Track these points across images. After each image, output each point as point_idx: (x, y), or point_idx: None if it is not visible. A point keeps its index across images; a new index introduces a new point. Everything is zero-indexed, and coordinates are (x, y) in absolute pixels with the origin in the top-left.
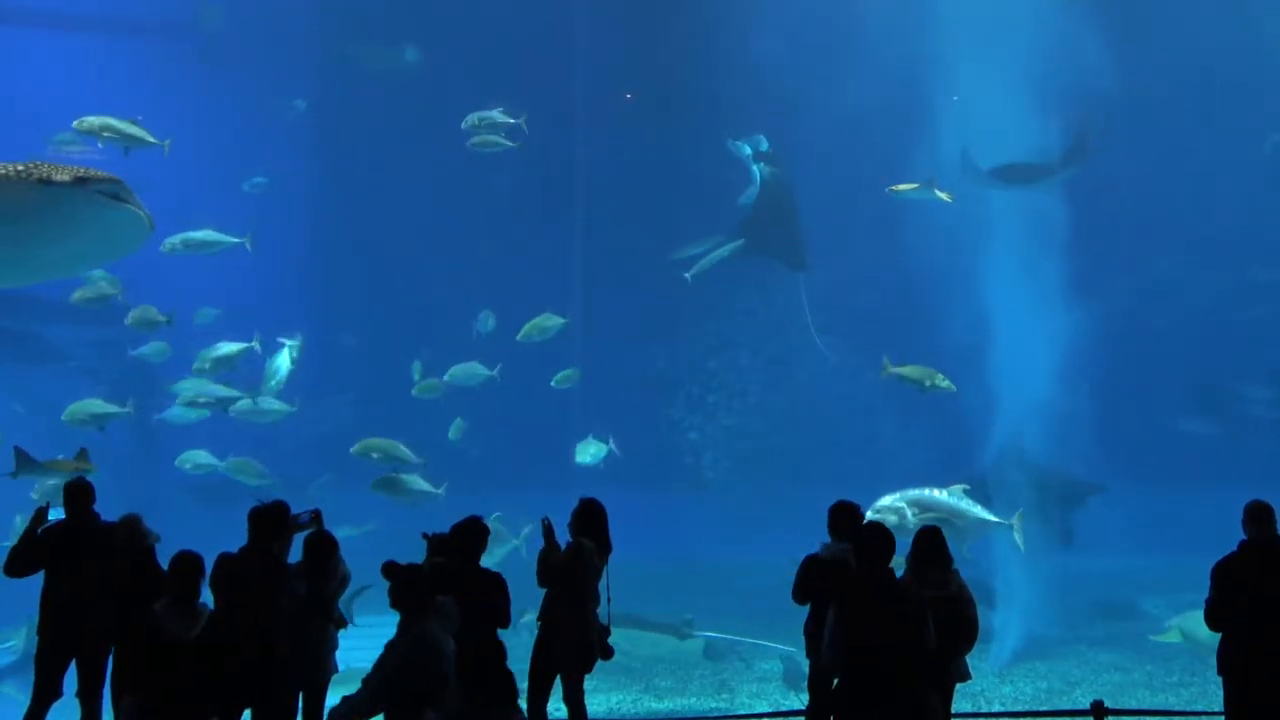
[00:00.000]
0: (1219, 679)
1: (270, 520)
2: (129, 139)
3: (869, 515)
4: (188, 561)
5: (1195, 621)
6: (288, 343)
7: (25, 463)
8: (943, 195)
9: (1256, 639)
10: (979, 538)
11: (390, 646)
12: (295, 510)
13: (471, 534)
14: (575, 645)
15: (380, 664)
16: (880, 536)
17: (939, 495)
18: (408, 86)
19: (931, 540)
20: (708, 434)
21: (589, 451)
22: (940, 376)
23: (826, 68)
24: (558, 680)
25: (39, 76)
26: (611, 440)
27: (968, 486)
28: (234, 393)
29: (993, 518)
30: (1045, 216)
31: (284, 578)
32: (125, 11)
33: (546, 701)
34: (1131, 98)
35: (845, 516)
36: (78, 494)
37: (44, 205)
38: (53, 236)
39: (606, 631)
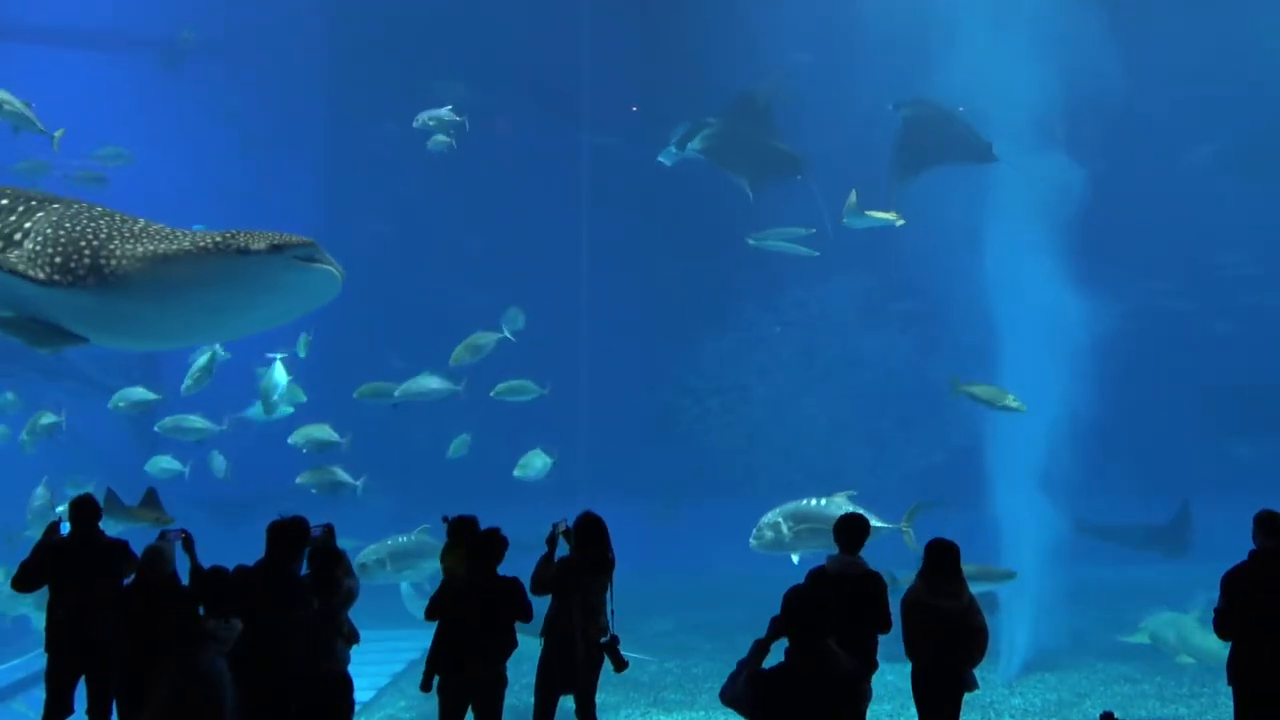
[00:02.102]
0: (1229, 689)
1: (290, 535)
2: (21, 120)
3: (751, 538)
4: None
5: (1164, 624)
6: (278, 357)
7: (114, 506)
8: (891, 217)
9: (1267, 648)
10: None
11: (160, 683)
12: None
13: (494, 544)
14: (571, 659)
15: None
16: (813, 610)
17: (818, 504)
18: (413, 93)
19: (943, 551)
20: (719, 442)
21: (533, 466)
22: (1012, 397)
23: (831, 76)
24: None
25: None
26: (556, 453)
27: (854, 493)
28: (150, 395)
29: (877, 523)
30: (1089, 212)
31: (299, 592)
32: (120, 27)
33: (553, 716)
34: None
35: (851, 530)
36: (81, 510)
37: (243, 273)
38: (252, 301)
39: (616, 641)
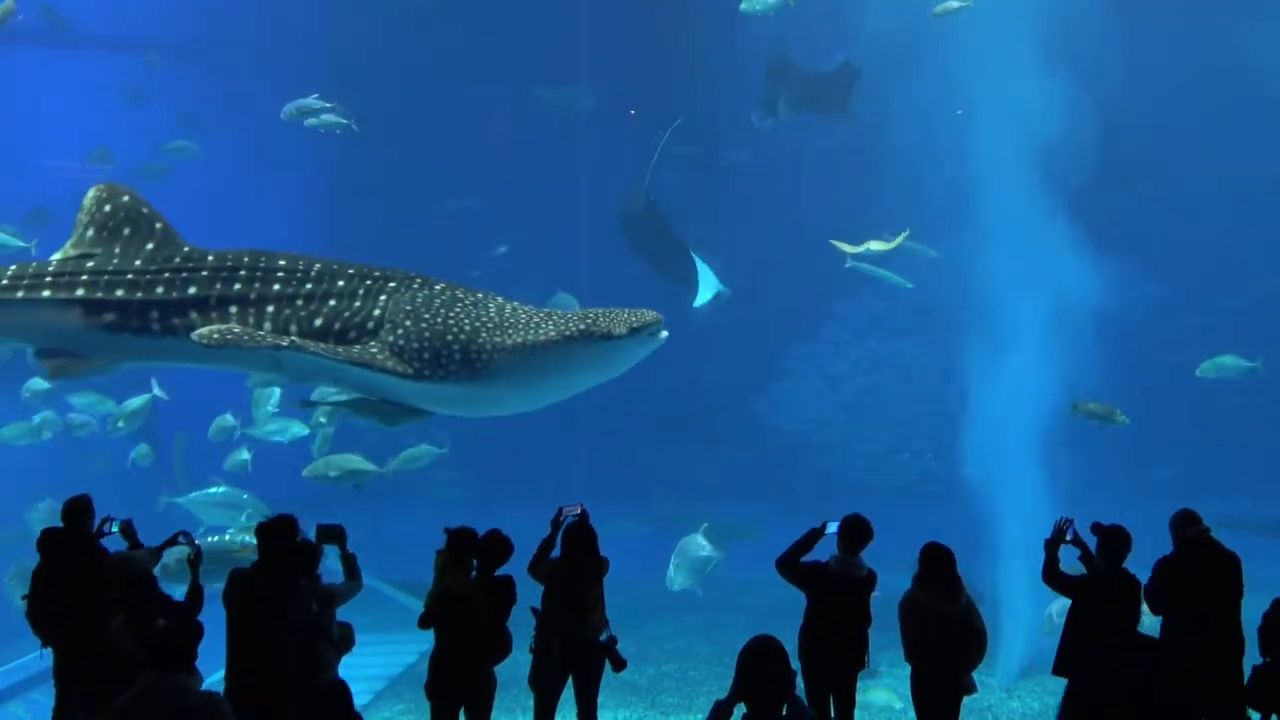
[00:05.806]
0: None
1: (275, 535)
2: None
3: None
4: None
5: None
6: None
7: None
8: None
9: (1199, 632)
10: (704, 571)
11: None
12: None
13: (497, 546)
14: (553, 658)
15: None
16: (768, 678)
17: (684, 539)
18: (411, 95)
19: (940, 556)
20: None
21: (332, 468)
22: (1119, 413)
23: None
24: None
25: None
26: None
27: (707, 524)
28: (46, 385)
29: (710, 551)
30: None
31: (295, 592)
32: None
33: (553, 715)
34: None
35: (858, 530)
36: (67, 513)
37: (604, 355)
38: (601, 375)
39: (614, 641)
